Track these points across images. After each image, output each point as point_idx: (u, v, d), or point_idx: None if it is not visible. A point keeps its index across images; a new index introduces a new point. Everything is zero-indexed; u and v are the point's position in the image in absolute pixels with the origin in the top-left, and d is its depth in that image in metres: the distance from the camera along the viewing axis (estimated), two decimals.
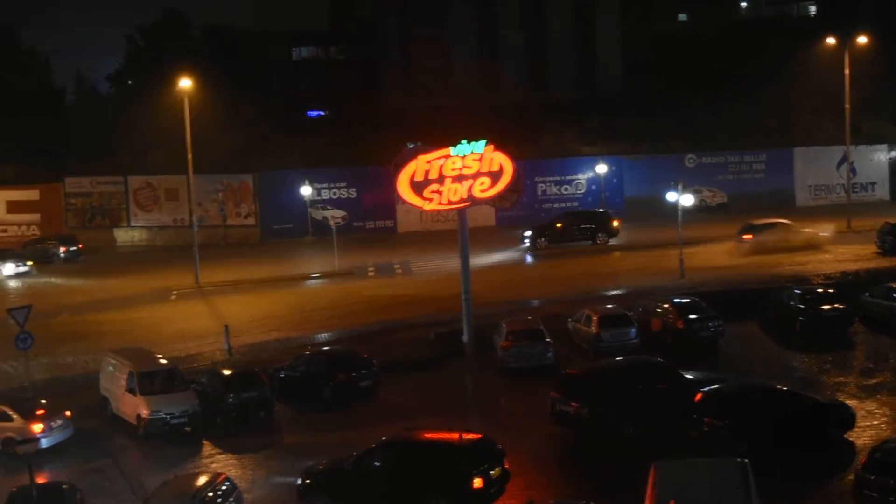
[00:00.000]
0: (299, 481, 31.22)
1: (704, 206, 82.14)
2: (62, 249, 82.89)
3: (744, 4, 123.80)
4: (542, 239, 71.79)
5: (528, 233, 72.55)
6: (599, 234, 71.90)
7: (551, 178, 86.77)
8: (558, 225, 73.14)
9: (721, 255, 64.26)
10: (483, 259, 66.10)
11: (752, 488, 24.07)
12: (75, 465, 36.50)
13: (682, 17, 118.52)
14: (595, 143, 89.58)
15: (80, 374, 47.24)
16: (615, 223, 72.78)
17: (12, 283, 72.40)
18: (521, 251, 72.26)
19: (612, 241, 71.70)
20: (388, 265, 70.88)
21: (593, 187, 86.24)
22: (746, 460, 25.30)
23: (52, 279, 73.42)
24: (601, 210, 75.96)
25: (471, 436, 30.28)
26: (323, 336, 52.63)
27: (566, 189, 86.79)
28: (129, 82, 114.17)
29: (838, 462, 31.30)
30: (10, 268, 74.31)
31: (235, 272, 71.20)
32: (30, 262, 75.55)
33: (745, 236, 64.93)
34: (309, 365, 42.93)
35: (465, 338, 47.07)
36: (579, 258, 67.45)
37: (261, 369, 42.61)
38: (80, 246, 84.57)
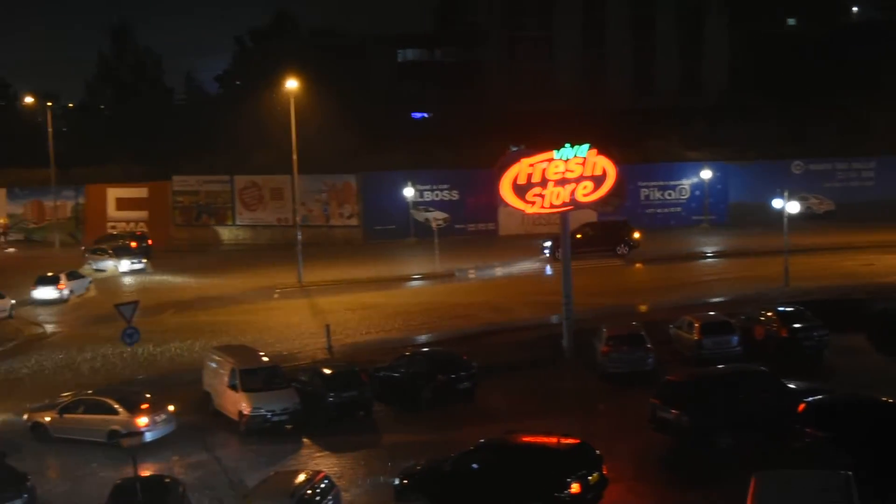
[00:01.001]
0: (397, 481, 31.33)
1: (811, 214, 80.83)
2: (133, 245, 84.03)
3: (855, 9, 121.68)
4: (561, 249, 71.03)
5: (548, 243, 71.87)
6: (620, 245, 71.07)
7: (655, 184, 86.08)
8: (578, 236, 72.31)
9: (827, 263, 63.27)
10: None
11: (855, 502, 23.61)
12: (177, 460, 37.07)
13: (791, 21, 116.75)
14: (700, 148, 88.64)
15: (184, 369, 47.94)
16: (636, 234, 71.91)
17: (126, 280, 73.75)
18: (540, 261, 71.66)
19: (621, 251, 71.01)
20: (488, 267, 70.85)
21: (697, 193, 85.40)
22: (850, 473, 24.81)
23: (165, 276, 74.49)
24: (622, 220, 74.94)
25: (569, 440, 30.14)
26: (423, 337, 52.82)
27: (670, 194, 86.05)
28: (237, 83, 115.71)
29: None
30: (125, 264, 75.80)
31: (337, 272, 71.79)
32: (144, 259, 76.91)
33: None
34: (409, 366, 43.03)
35: (564, 342, 46.89)
36: (607, 269, 66.90)
37: (361, 369, 42.81)
38: (150, 242, 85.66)
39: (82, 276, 71.24)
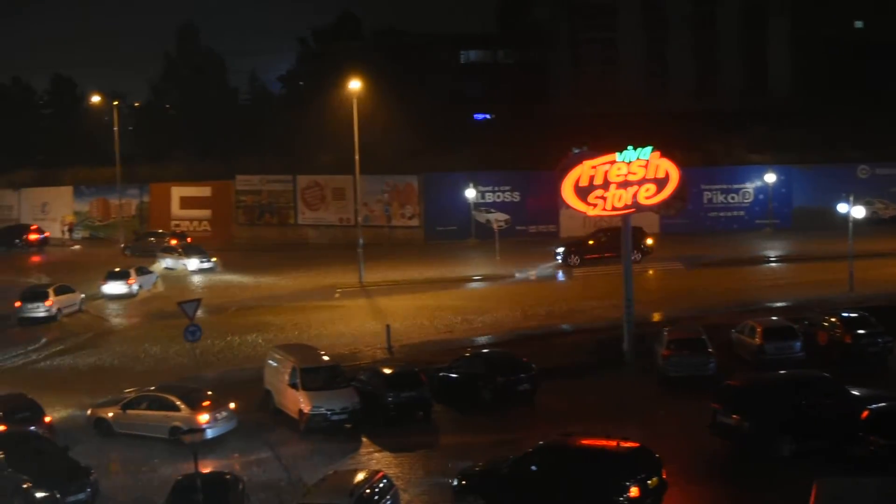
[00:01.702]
0: (455, 482, 31.35)
1: (876, 219, 79.87)
2: (174, 243, 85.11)
3: None
4: (574, 255, 70.78)
5: (561, 249, 71.60)
6: (633, 252, 70.30)
7: (717, 187, 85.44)
8: (590, 242, 71.99)
9: (892, 269, 62.51)
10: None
11: None
12: (238, 457, 37.34)
13: (858, 24, 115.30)
14: (763, 151, 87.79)
15: (246, 367, 48.30)
16: (650, 241, 71.28)
17: (196, 278, 74.36)
18: (554, 267, 71.35)
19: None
20: (549, 269, 70.70)
21: (761, 196, 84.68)
22: None
23: (231, 276, 74.95)
24: (635, 227, 74.22)
25: (628, 444, 29.99)
26: (483, 338, 52.86)
27: (733, 198, 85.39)
28: (300, 83, 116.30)
29: None
30: (194, 263, 76.49)
31: (398, 273, 71.98)
32: (214, 258, 77.60)
33: None
34: (468, 367, 43.07)
35: (625, 345, 46.71)
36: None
37: (420, 369, 42.89)
38: (189, 240, 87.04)
39: (150, 272, 72.37)
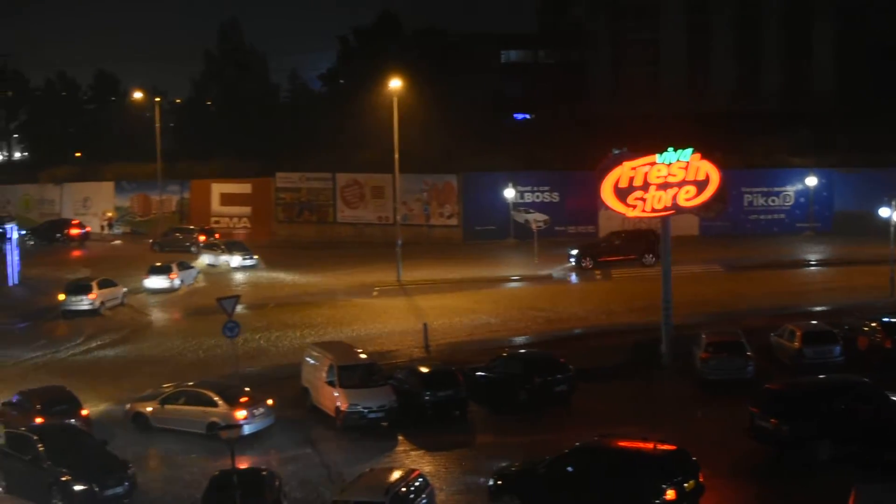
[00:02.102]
0: (491, 482, 31.36)
1: None
2: (201, 239, 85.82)
3: None
4: (588, 258, 70.62)
5: (575, 251, 71.50)
6: (646, 255, 70.21)
7: (758, 190, 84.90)
8: (603, 245, 71.91)
9: None
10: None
11: None
12: (275, 453, 37.48)
13: None
14: (805, 154, 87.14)
15: (284, 364, 48.47)
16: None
17: (238, 275, 74.55)
18: (567, 269, 71.10)
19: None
20: (587, 270, 70.48)
21: (801, 200, 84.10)
22: None
23: (272, 273, 75.07)
24: (649, 230, 73.98)
25: (665, 446, 29.91)
26: (520, 339, 52.82)
27: (773, 201, 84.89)
28: (341, 82, 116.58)
29: None
30: (237, 260, 76.71)
31: (436, 271, 71.98)
32: (256, 256, 77.84)
33: None
34: (505, 367, 43.04)
35: (663, 347, 46.56)
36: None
37: (457, 369, 42.91)
38: (218, 236, 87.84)
39: (191, 267, 73.03)
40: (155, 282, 68.79)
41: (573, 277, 69.23)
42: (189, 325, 59.68)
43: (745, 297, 59.36)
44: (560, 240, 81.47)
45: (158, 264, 70.63)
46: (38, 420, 38.48)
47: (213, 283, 71.55)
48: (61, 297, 62.82)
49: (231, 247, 79.05)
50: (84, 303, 62.22)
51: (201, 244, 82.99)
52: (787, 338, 44.63)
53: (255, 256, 77.73)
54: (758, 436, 34.52)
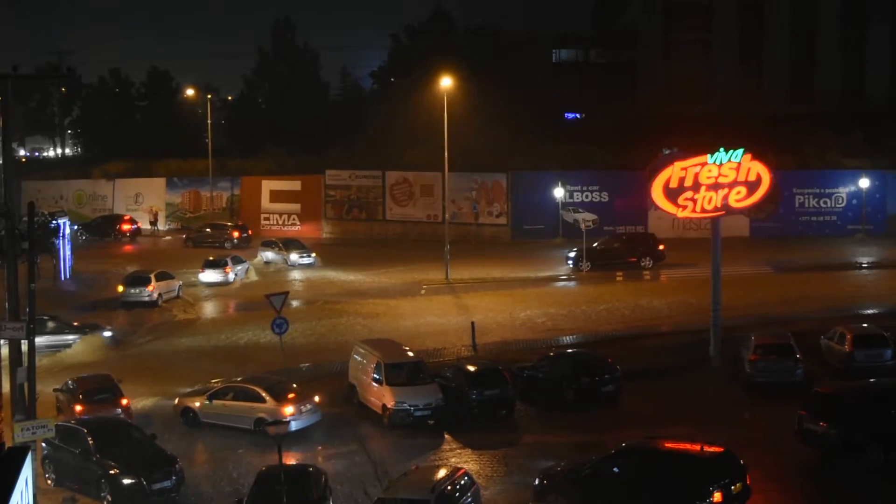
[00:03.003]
0: (536, 482, 31.32)
1: None
2: (235, 235, 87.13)
3: None
4: (586, 261, 70.26)
5: (572, 253, 71.14)
6: (645, 258, 69.73)
7: (810, 191, 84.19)
8: (602, 248, 71.55)
9: None
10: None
11: None
12: (321, 450, 37.62)
13: None
14: (858, 156, 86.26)
15: (331, 361, 48.61)
16: (661, 247, 70.71)
17: (295, 273, 74.67)
18: (565, 272, 70.80)
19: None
20: (635, 271, 70.20)
21: (854, 202, 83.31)
22: None
23: (327, 271, 75.12)
24: (648, 234, 73.31)
25: (713, 448, 29.75)
26: (567, 338, 52.72)
27: (825, 202, 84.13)
28: (392, 79, 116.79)
29: None
30: (293, 258, 76.84)
31: (484, 270, 71.95)
32: (314, 254, 78.01)
33: None
34: (552, 366, 42.98)
35: (711, 349, 46.31)
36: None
37: (504, 368, 42.90)
38: (251, 232, 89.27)
39: (243, 261, 74.05)
40: (210, 275, 70.14)
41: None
42: (241, 319, 60.11)
43: (795, 299, 58.88)
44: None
45: (212, 258, 72.27)
46: (79, 407, 39.62)
47: (266, 278, 72.24)
48: (120, 288, 64.33)
49: (288, 245, 79.17)
50: (143, 294, 63.64)
51: (261, 242, 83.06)
52: (838, 341, 44.23)
53: (314, 254, 77.73)
54: (806, 439, 34.24)
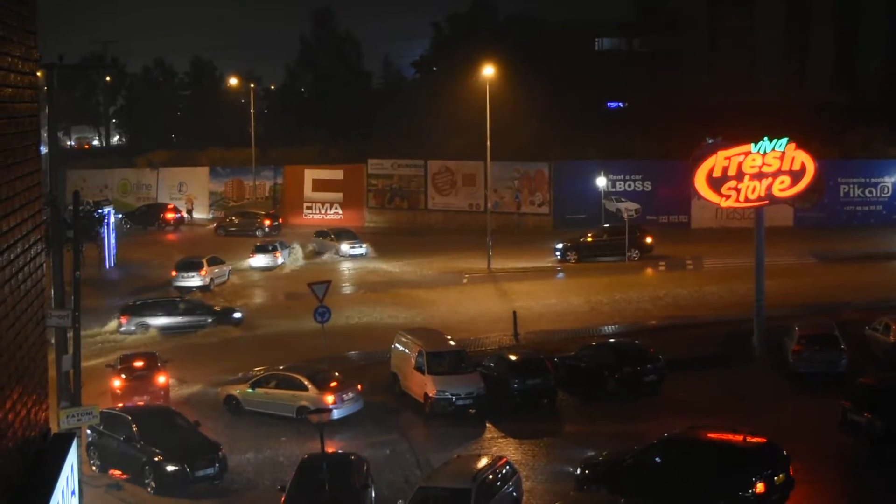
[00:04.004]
0: (578, 471, 31.30)
1: None
2: (267, 223, 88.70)
3: None
4: (572, 253, 70.02)
5: (560, 245, 71.15)
6: (631, 250, 69.29)
7: (855, 180, 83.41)
8: (588, 239, 71.05)
9: None
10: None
11: None
12: (363, 438, 37.74)
13: None
14: None
15: (374, 350, 48.71)
16: (648, 239, 70.35)
17: (345, 264, 74.60)
18: (551, 263, 70.62)
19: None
20: (679, 260, 69.96)
21: None
22: None
23: (377, 263, 74.99)
24: (635, 226, 72.77)
25: (755, 439, 29.63)
26: (609, 328, 52.61)
27: (870, 192, 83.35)
28: (434, 68, 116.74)
29: None
30: (344, 248, 76.63)
31: (526, 259, 71.83)
32: (366, 244, 77.95)
33: None
34: (595, 356, 42.93)
35: (754, 339, 46.08)
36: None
37: (546, 357, 42.88)
38: (281, 220, 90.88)
39: (288, 246, 75.98)
40: (260, 260, 72.41)
41: (559, 274, 68.62)
42: (286, 306, 60.49)
43: (839, 289, 58.40)
44: (652, 229, 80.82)
45: (259, 244, 75.13)
46: (118, 382, 41.30)
47: (312, 266, 73.08)
48: (173, 273, 65.72)
49: (339, 235, 79.03)
50: (195, 279, 65.21)
51: (314, 232, 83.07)
52: (883, 331, 43.87)
53: (365, 245, 77.52)
54: (850, 430, 34.01)
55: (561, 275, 67.87)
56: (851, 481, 32.37)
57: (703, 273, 66.52)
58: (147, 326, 54.66)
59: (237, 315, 56.75)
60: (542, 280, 65.44)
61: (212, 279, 65.97)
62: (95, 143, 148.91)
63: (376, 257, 75.68)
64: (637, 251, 69.77)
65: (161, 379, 41.89)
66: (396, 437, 37.81)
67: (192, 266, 65.96)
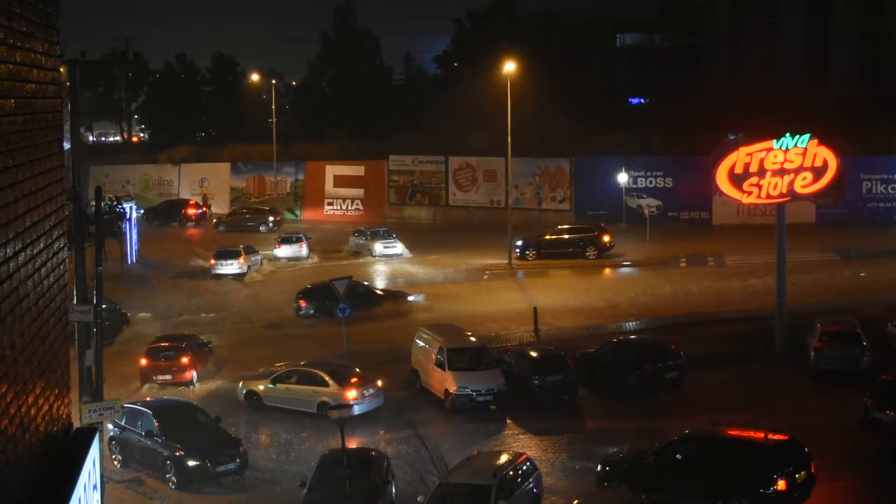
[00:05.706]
0: (599, 467, 31.28)
1: None
2: (271, 219, 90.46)
3: None
4: (531, 250, 70.05)
5: (520, 242, 70.98)
6: (589, 248, 69.10)
7: (878, 176, 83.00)
8: (547, 237, 70.94)
9: None
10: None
11: None
12: (384, 434, 37.80)
13: None
14: None
15: (395, 346, 48.70)
16: (606, 238, 70.04)
17: (379, 263, 74.06)
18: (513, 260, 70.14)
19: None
20: (700, 257, 69.79)
21: None
22: None
23: (404, 265, 74.54)
24: (594, 224, 72.49)
25: (777, 436, 29.55)
26: (630, 324, 52.54)
27: (893, 188, 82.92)
28: (455, 64, 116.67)
29: None
30: (378, 248, 75.81)
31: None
32: (401, 244, 76.67)
33: None
34: (616, 352, 42.87)
35: (776, 336, 45.92)
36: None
37: (567, 353, 42.83)
38: (281, 217, 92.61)
39: (309, 237, 77.51)
40: (286, 251, 74.58)
41: (518, 273, 68.39)
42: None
43: (862, 286, 58.21)
44: (673, 225, 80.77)
45: (283, 235, 77.32)
46: (144, 361, 43.71)
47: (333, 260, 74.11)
48: (212, 262, 68.38)
49: (374, 234, 77.87)
50: (234, 267, 67.82)
51: (352, 231, 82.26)
52: None
53: (400, 244, 75.75)
54: (873, 428, 33.91)
55: (520, 274, 67.98)
56: (874, 479, 32.22)
57: (725, 270, 66.29)
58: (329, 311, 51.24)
59: (411, 298, 58.52)
60: (563, 276, 65.32)
61: (248, 266, 68.77)
62: (117, 138, 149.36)
63: (412, 257, 74.72)
64: (595, 249, 69.63)
65: (185, 360, 43.58)
66: (417, 433, 37.80)
67: (231, 255, 68.79)
